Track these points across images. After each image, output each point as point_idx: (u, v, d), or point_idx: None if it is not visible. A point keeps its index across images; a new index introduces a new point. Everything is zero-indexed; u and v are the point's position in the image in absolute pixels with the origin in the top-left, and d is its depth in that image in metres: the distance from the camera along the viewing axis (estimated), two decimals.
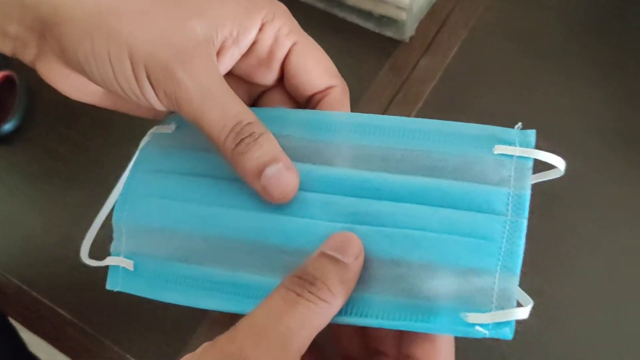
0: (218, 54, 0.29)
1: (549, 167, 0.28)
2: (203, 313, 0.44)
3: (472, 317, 0.25)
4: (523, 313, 0.25)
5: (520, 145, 0.28)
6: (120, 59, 0.27)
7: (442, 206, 0.27)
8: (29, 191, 0.50)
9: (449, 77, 0.55)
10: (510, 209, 0.27)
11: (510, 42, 0.57)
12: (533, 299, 0.25)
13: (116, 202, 0.31)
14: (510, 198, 0.27)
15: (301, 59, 0.31)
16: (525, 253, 0.26)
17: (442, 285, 0.26)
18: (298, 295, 0.24)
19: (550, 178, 0.28)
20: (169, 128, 0.33)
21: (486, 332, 0.25)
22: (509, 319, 0.25)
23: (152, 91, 0.28)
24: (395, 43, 0.57)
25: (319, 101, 0.31)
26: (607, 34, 0.57)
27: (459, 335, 0.26)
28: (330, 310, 0.25)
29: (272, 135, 0.28)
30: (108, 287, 0.31)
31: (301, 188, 0.28)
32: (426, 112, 0.53)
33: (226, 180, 0.29)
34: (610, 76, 0.54)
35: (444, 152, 0.28)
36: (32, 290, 0.45)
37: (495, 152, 0.28)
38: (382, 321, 0.26)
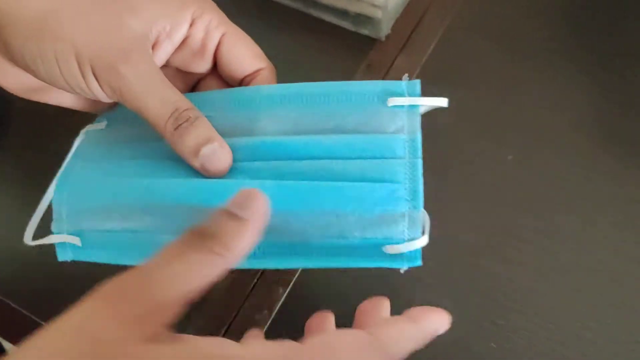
0: (153, 47, 0.32)
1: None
2: (188, 321, 0.43)
3: (391, 249, 0.31)
4: (424, 240, 0.31)
5: (409, 95, 0.33)
6: (67, 60, 0.30)
7: (352, 158, 0.31)
8: (5, 199, 0.49)
9: (426, 75, 0.55)
10: (407, 152, 0.32)
11: (488, 40, 0.57)
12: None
13: (55, 186, 0.34)
14: (406, 143, 0.32)
15: (231, 47, 0.35)
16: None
17: (363, 225, 0.30)
18: (194, 247, 0.26)
19: (435, 106, 0.34)
20: (100, 126, 0.36)
21: (402, 266, 0.31)
22: (418, 247, 0.31)
23: (98, 86, 0.31)
24: (371, 42, 0.57)
25: (249, 83, 0.36)
26: (588, 30, 0.57)
27: (383, 266, 0.31)
28: (224, 262, 0.26)
29: (206, 119, 0.32)
30: (59, 259, 0.34)
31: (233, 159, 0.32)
32: None
33: (159, 159, 0.32)
34: (592, 72, 0.54)
35: (348, 110, 0.33)
36: (9, 300, 0.45)
37: (389, 105, 0.32)
38: (315, 262, 0.31)
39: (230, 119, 0.33)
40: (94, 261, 0.33)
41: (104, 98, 0.32)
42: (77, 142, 0.36)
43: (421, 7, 0.59)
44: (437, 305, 0.44)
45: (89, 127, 0.37)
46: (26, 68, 0.31)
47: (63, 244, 0.34)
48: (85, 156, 0.35)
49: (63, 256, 0.34)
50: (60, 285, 0.45)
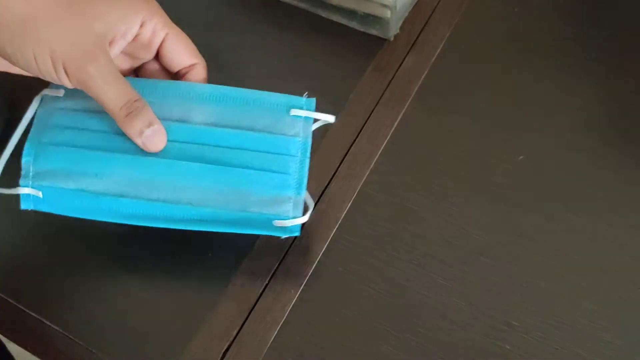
0: (110, 44, 0.40)
1: None
2: (198, 324, 0.43)
3: (279, 223, 0.42)
4: (305, 217, 0.42)
5: (307, 109, 0.43)
6: (44, 59, 0.38)
7: (258, 151, 0.42)
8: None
9: (435, 75, 0.54)
10: (299, 152, 0.42)
11: (497, 39, 0.57)
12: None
13: (24, 148, 0.42)
14: (299, 145, 0.43)
15: (172, 45, 0.43)
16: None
17: (260, 204, 0.41)
18: None
19: (324, 122, 0.44)
20: (58, 92, 0.44)
21: (285, 235, 0.42)
22: (299, 223, 0.42)
23: (67, 79, 0.39)
24: (379, 42, 0.56)
25: (184, 74, 0.44)
26: (595, 27, 0.57)
27: (272, 234, 0.42)
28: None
29: (149, 108, 0.40)
30: (22, 207, 0.42)
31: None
32: (415, 111, 0.52)
33: (111, 133, 0.41)
34: (602, 71, 0.54)
35: (260, 113, 0.43)
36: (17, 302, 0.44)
37: (291, 114, 0.43)
38: (222, 228, 0.41)
39: (168, 107, 0.42)
40: (50, 212, 0.42)
41: (70, 86, 0.39)
42: (36, 102, 0.43)
43: (429, 6, 0.59)
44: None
45: (46, 92, 0.44)
46: (6, 57, 0.39)
47: (27, 195, 0.42)
48: (49, 121, 0.43)
49: (26, 205, 0.42)
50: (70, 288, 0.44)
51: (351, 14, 0.57)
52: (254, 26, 0.58)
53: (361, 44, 0.56)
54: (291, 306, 0.44)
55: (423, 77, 0.54)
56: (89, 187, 0.41)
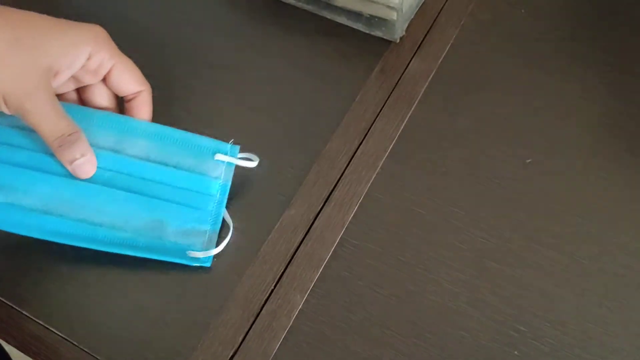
0: (56, 74, 0.43)
1: None
2: (203, 330, 0.43)
3: (192, 253, 0.44)
4: (218, 249, 0.45)
5: (230, 155, 0.47)
6: None
7: (183, 188, 0.46)
8: None
9: (441, 77, 0.54)
10: (218, 193, 0.46)
11: (503, 42, 0.56)
12: None
13: None
14: (219, 186, 0.46)
15: (118, 75, 0.45)
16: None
17: (177, 234, 0.45)
18: None
19: (247, 166, 0.47)
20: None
21: (195, 264, 0.44)
22: (209, 255, 0.45)
23: (7, 109, 0.42)
24: (385, 44, 0.56)
25: (130, 100, 0.47)
26: (599, 31, 0.57)
27: (184, 263, 0.44)
28: None
29: (84, 138, 0.44)
30: None
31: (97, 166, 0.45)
32: (421, 114, 0.52)
33: (44, 153, 0.44)
34: (609, 74, 0.54)
35: (188, 154, 0.46)
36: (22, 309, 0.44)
37: (215, 158, 0.46)
38: (140, 253, 0.44)
39: (103, 136, 0.45)
40: None
41: (9, 114, 0.42)
42: None
43: (435, 8, 0.59)
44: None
45: None
46: None
47: None
48: None
49: None
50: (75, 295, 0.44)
51: (356, 15, 0.56)
52: (258, 28, 0.58)
53: (367, 45, 0.56)
54: (297, 312, 0.43)
55: (430, 79, 0.54)
56: (17, 201, 0.43)
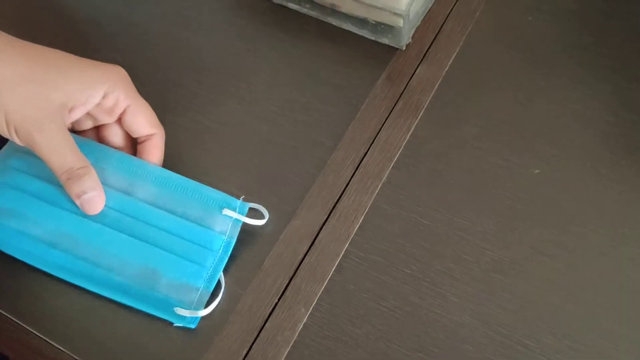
0: (71, 110, 0.44)
1: None
2: (207, 343, 0.42)
3: (180, 311, 0.43)
4: (205, 312, 0.43)
5: (239, 211, 0.46)
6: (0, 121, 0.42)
7: (185, 239, 0.44)
8: None
9: (448, 84, 0.53)
10: (221, 249, 0.45)
11: (509, 48, 0.56)
12: None
13: None
14: (223, 243, 0.45)
15: (133, 116, 0.46)
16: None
17: (169, 288, 0.43)
18: None
19: (255, 224, 0.46)
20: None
21: (180, 323, 0.43)
22: (196, 316, 0.43)
23: (19, 140, 0.43)
24: (391, 51, 0.56)
25: (143, 141, 0.47)
26: (604, 37, 0.56)
27: (170, 320, 0.43)
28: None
29: (94, 173, 0.44)
30: None
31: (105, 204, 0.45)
32: (428, 122, 0.51)
33: (58, 186, 0.44)
34: (609, 79, 0.53)
35: (196, 204, 0.46)
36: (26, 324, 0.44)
37: (223, 213, 0.45)
38: (128, 300, 0.43)
39: (117, 176, 0.46)
40: None
41: (20, 144, 0.43)
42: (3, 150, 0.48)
43: (441, 15, 0.58)
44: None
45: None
46: None
47: None
48: (8, 163, 0.47)
49: None
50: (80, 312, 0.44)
51: (362, 22, 0.56)
52: (263, 34, 0.57)
53: (372, 52, 0.55)
54: (302, 325, 0.43)
55: (436, 86, 0.53)
56: (27, 230, 0.44)
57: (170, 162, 0.49)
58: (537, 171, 0.48)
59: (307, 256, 0.45)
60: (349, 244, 0.46)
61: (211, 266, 0.44)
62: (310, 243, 0.46)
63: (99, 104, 0.45)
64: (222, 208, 0.45)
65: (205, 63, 0.55)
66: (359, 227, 0.46)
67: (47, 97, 0.42)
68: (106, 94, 0.44)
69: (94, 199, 0.44)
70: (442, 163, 0.49)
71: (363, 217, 0.47)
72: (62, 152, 0.43)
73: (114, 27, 0.58)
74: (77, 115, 0.45)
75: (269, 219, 0.46)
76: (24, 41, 0.43)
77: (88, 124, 0.47)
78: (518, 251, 0.45)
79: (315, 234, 0.46)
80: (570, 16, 0.57)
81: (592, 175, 0.48)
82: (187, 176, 0.47)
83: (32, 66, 0.42)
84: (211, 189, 0.46)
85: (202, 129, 0.52)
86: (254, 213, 0.47)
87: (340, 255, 0.45)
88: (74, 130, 0.48)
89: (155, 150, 0.47)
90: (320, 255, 0.45)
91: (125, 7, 0.59)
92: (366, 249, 0.46)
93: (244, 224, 0.46)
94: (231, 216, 0.45)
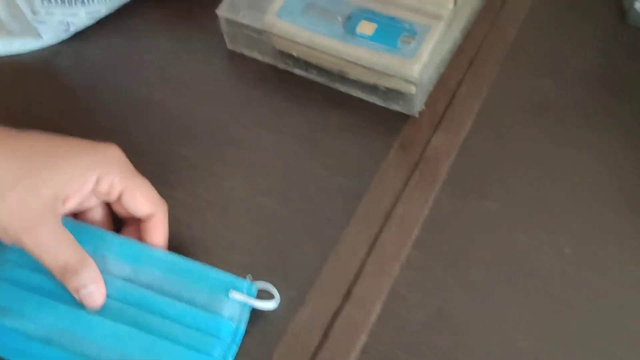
0: (65, 200, 0.42)
1: None
2: None
3: None
4: None
5: (247, 293, 0.42)
6: None
7: (191, 327, 0.41)
8: None
9: (466, 154, 0.50)
10: (230, 336, 0.41)
11: (526, 111, 0.52)
12: None
13: None
14: (231, 329, 0.41)
15: (131, 198, 0.44)
16: None
17: None
18: None
19: (265, 309, 0.42)
20: None
21: None
22: None
23: (9, 240, 0.41)
24: (403, 117, 0.52)
25: (146, 220, 0.45)
26: (629, 94, 0.53)
27: None
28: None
29: (92, 266, 0.42)
30: None
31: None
32: (446, 195, 0.48)
33: (55, 279, 0.42)
34: (635, 148, 0.50)
35: (202, 288, 0.42)
36: None
37: (230, 296, 0.41)
38: None
39: (118, 264, 0.43)
40: None
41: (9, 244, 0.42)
42: None
43: (455, 79, 0.55)
44: None
45: None
46: None
47: None
48: (3, 256, 0.44)
49: None
50: None
51: (372, 88, 0.52)
52: (267, 101, 0.54)
53: (383, 119, 0.52)
54: None
55: (453, 156, 0.50)
56: (22, 327, 0.41)
57: (168, 241, 0.45)
58: (568, 250, 0.44)
59: (319, 349, 0.41)
60: (367, 335, 0.41)
61: (220, 355, 0.40)
62: (322, 334, 0.41)
63: (94, 189, 0.43)
64: (228, 290, 0.42)
65: (207, 132, 0.52)
66: (378, 316, 0.42)
67: (38, 194, 0.40)
68: (99, 178, 0.43)
69: (93, 293, 0.41)
70: (464, 241, 0.45)
71: (382, 304, 0.42)
72: (53, 250, 0.41)
73: (110, 94, 0.55)
74: (73, 204, 0.43)
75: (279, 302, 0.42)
76: (10, 131, 0.42)
77: (95, 201, 0.45)
78: (554, 342, 0.41)
79: (328, 323, 0.42)
80: (591, 75, 0.54)
81: (629, 251, 0.44)
82: (186, 256, 0.43)
83: (23, 161, 0.41)
84: (217, 270, 0.43)
85: (203, 204, 0.48)
86: (261, 294, 0.42)
87: (358, 349, 0.41)
88: (80, 212, 0.46)
89: (157, 230, 0.45)
90: (335, 348, 0.41)
91: (122, 76, 0.56)
92: (386, 341, 0.41)
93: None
94: (239, 299, 0.42)
